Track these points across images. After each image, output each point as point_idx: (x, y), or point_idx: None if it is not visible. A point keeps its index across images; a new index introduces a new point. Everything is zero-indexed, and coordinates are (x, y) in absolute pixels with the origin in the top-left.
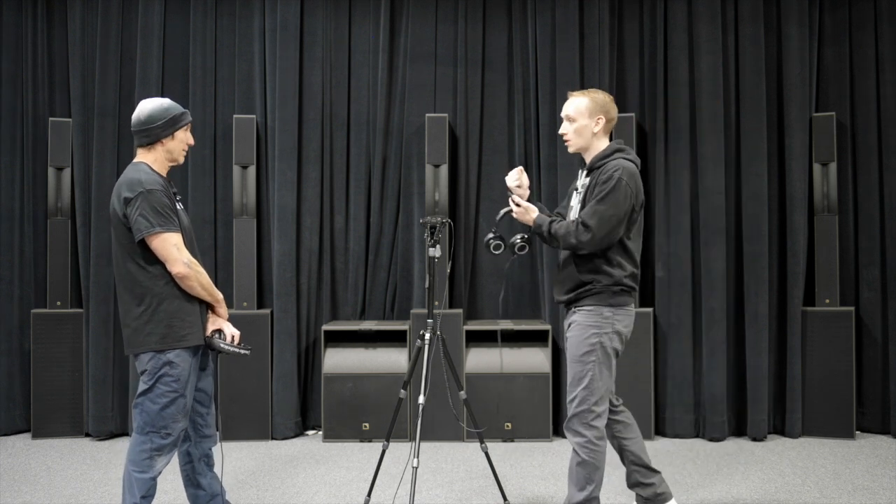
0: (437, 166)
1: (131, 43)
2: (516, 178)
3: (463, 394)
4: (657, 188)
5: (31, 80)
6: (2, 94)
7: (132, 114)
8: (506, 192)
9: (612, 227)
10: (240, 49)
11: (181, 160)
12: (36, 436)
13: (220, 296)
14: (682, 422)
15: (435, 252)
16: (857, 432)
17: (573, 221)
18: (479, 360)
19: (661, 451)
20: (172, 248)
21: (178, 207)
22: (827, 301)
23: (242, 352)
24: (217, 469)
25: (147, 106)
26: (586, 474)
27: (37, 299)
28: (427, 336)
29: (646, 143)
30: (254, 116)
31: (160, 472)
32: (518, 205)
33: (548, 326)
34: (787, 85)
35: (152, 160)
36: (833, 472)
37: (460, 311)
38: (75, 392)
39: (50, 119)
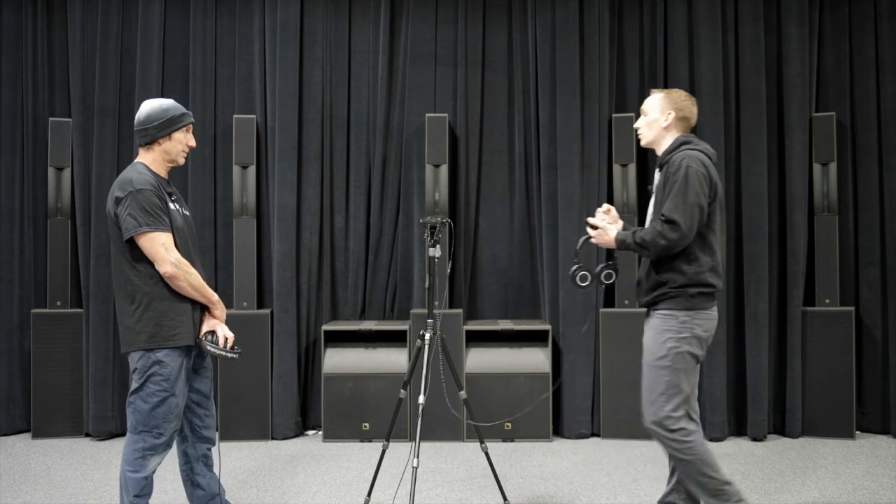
0: (437, 166)
1: (131, 43)
2: (603, 219)
3: (463, 394)
4: None
5: (31, 80)
6: (2, 94)
7: (133, 114)
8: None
9: (698, 215)
10: (240, 49)
11: (180, 162)
12: (36, 436)
13: (215, 297)
14: None
15: (435, 252)
16: (857, 432)
17: (657, 222)
18: (480, 360)
19: (661, 452)
20: (160, 247)
21: (171, 207)
22: (827, 301)
23: (230, 355)
24: (216, 469)
25: (147, 106)
26: (697, 469)
27: (37, 299)
28: (427, 336)
29: None
30: (254, 116)
31: (153, 471)
32: (594, 227)
33: (548, 326)
34: (787, 85)
35: (150, 160)
36: (833, 472)
37: (460, 311)
38: (75, 392)
39: (50, 119)
